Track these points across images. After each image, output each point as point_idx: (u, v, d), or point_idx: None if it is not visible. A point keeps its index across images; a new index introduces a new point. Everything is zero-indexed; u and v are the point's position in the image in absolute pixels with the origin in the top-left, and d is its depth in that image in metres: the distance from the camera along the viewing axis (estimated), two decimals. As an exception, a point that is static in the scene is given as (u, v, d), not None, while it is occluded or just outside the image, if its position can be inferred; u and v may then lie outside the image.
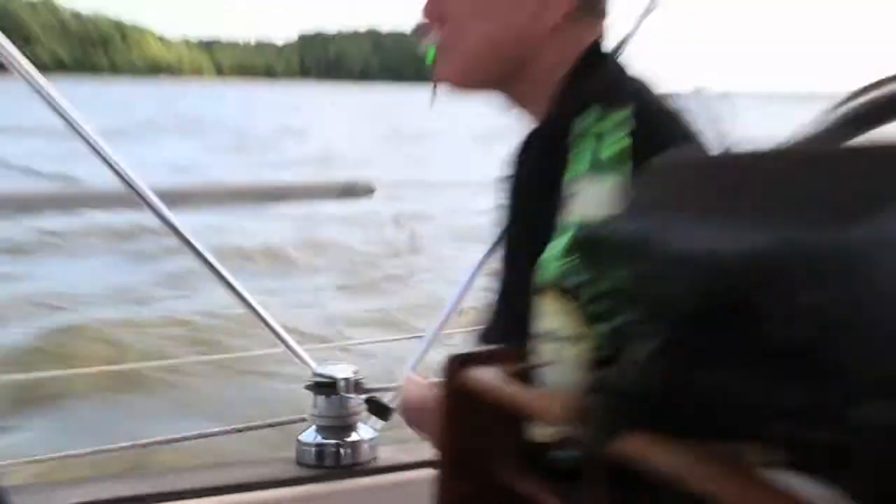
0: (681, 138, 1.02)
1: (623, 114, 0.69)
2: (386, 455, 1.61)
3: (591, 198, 0.70)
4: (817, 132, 0.67)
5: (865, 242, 0.42)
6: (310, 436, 1.56)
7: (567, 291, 0.71)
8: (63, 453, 1.81)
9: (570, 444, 0.59)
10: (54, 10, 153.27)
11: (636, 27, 2.05)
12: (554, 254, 0.72)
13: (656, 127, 0.99)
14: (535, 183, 1.10)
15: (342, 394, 1.55)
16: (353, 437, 1.57)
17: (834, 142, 0.68)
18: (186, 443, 1.99)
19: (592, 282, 0.69)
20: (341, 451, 1.56)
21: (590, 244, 0.67)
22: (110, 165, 1.56)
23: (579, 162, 0.71)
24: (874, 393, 0.44)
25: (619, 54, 1.21)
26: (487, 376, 0.76)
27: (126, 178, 1.57)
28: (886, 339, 0.43)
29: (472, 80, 1.17)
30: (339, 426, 1.56)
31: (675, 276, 0.51)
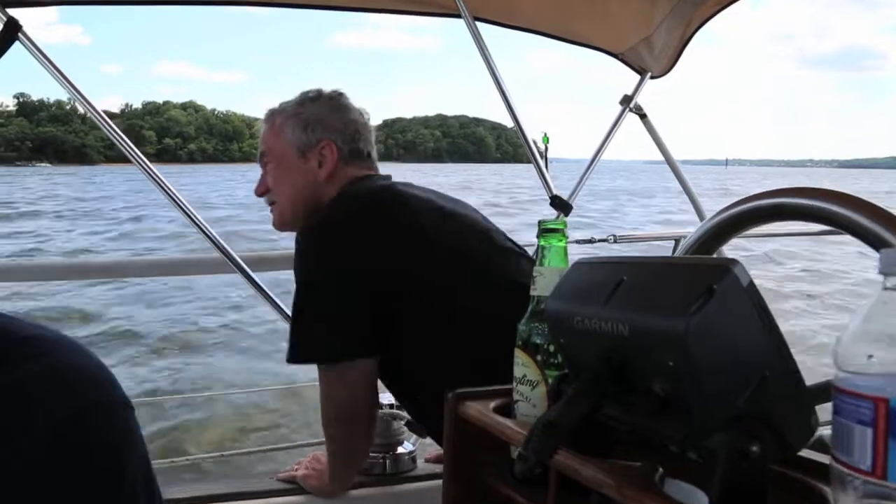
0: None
1: (561, 222, 0.79)
2: (423, 465, 1.67)
3: (544, 280, 0.78)
4: (698, 238, 0.75)
5: (697, 328, 0.50)
6: (364, 449, 1.62)
7: (531, 348, 0.79)
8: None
9: (522, 460, 0.65)
10: (199, 110, 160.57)
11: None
12: (523, 319, 0.81)
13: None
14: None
15: (387, 418, 1.62)
16: (397, 451, 1.64)
17: (707, 248, 0.76)
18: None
19: (546, 343, 0.77)
20: (387, 462, 1.62)
21: (541, 316, 0.76)
22: (207, 235, 1.74)
23: (538, 255, 0.80)
24: (710, 428, 0.51)
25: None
26: (477, 409, 0.84)
27: (220, 245, 1.74)
28: (709, 394, 0.51)
29: (288, 225, 1.47)
30: (386, 443, 1.62)
31: (583, 345, 0.59)
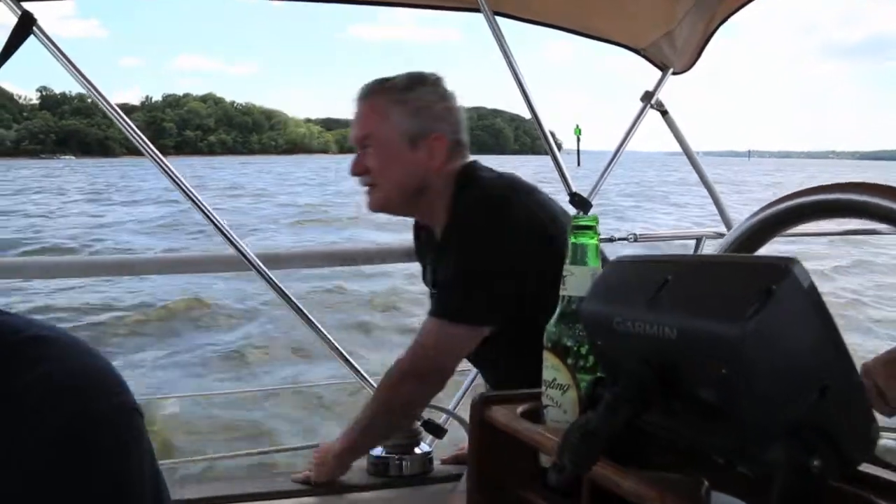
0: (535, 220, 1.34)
1: (593, 218, 0.74)
2: (440, 466, 1.63)
3: (575, 280, 0.74)
4: (739, 237, 0.70)
5: (753, 334, 0.45)
6: (378, 451, 1.57)
7: (561, 351, 0.75)
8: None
9: (557, 469, 0.61)
10: (219, 102, 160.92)
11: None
12: (552, 321, 0.77)
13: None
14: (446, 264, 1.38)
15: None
16: (414, 452, 1.60)
17: (750, 246, 0.72)
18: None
19: (577, 345, 0.73)
20: (404, 463, 1.58)
21: (572, 317, 0.72)
22: (221, 231, 1.68)
23: (569, 253, 0.76)
24: (768, 440, 0.47)
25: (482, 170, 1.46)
26: (504, 414, 0.80)
27: (235, 242, 1.69)
28: (766, 403, 0.46)
29: (390, 208, 1.49)
30: (402, 444, 1.58)
31: (623, 348, 0.55)
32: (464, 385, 1.88)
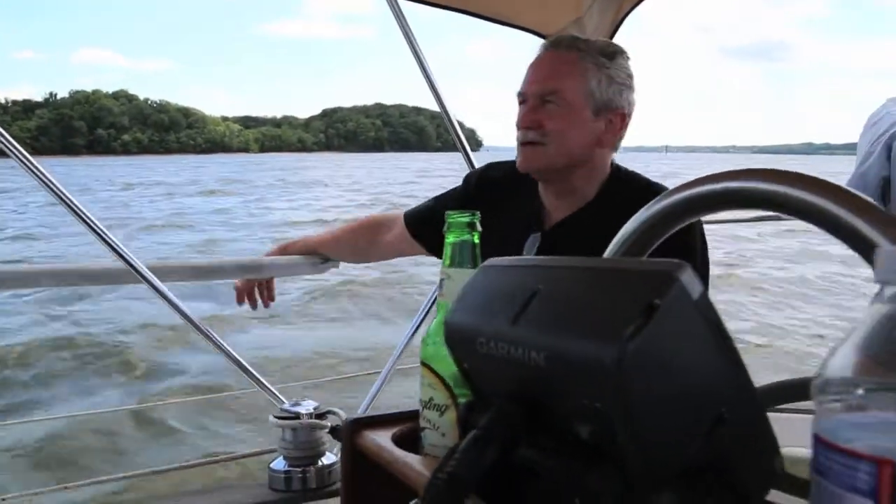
0: None
1: (473, 213, 0.65)
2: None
3: (454, 285, 0.64)
4: (628, 235, 0.62)
5: (632, 359, 0.36)
6: (279, 464, 1.45)
7: (437, 366, 0.65)
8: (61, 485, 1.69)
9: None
10: (133, 99, 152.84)
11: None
12: (428, 331, 0.67)
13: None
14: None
15: (306, 427, 1.46)
16: (318, 463, 1.48)
17: (641, 245, 0.63)
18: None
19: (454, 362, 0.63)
20: (307, 476, 1.46)
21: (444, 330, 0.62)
22: (103, 238, 1.46)
23: (445, 254, 0.65)
24: (651, 485, 0.38)
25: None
26: (375, 441, 0.69)
27: (121, 252, 1.47)
28: (650, 442, 0.37)
29: (547, 171, 1.37)
30: (307, 455, 1.46)
31: (488, 374, 0.45)
32: (373, 388, 1.76)
